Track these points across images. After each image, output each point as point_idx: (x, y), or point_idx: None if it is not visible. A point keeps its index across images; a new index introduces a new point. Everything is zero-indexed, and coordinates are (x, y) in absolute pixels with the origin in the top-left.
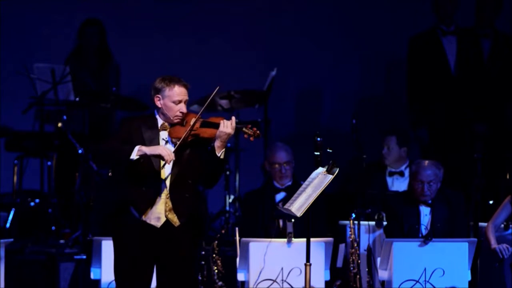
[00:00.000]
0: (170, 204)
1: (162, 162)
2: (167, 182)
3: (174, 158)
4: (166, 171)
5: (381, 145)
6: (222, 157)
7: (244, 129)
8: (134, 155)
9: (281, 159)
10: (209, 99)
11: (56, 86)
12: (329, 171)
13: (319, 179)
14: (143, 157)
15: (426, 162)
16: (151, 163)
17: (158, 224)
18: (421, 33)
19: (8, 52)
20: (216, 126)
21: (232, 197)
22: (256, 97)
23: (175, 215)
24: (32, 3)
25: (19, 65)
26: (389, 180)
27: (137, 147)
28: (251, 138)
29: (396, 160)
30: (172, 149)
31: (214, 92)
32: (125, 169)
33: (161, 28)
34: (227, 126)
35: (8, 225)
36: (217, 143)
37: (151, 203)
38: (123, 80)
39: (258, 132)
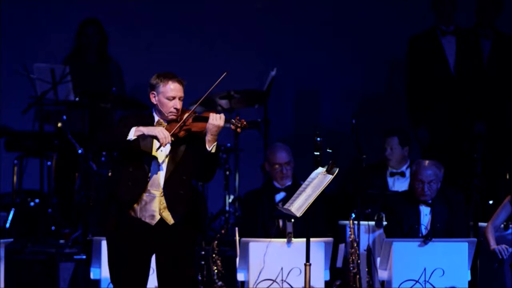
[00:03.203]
0: (164, 202)
1: (157, 144)
2: (162, 180)
3: (169, 141)
4: (161, 168)
5: (382, 147)
6: (213, 151)
7: (232, 120)
8: (131, 136)
9: (282, 159)
10: (215, 84)
11: (56, 86)
12: (329, 171)
13: (319, 179)
14: (141, 137)
15: (427, 162)
16: (146, 145)
17: (153, 222)
18: (421, 33)
19: (8, 52)
20: (207, 119)
21: (232, 197)
22: (256, 97)
23: (169, 213)
24: (32, 2)
25: (19, 65)
26: (390, 180)
27: (134, 128)
28: (238, 130)
29: (399, 160)
30: (168, 146)
31: (222, 77)
32: (121, 155)
33: (162, 29)
34: (216, 119)
35: (8, 225)
36: (207, 137)
37: (136, 197)
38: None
39: (245, 123)
